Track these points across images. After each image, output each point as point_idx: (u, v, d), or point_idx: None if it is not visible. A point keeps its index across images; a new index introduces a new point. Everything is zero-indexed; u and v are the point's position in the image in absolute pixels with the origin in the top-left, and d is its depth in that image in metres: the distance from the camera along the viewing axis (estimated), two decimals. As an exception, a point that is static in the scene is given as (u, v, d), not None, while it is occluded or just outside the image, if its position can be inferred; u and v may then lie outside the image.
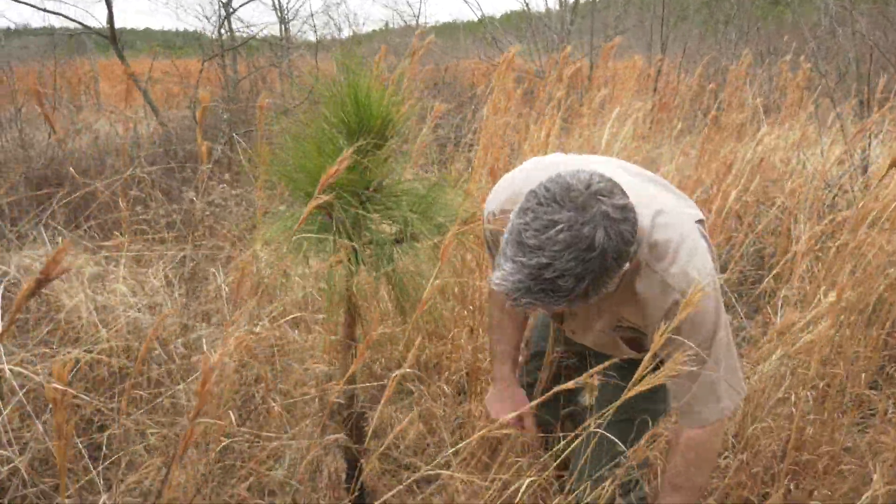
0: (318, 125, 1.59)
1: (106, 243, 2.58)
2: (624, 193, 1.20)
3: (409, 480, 1.64)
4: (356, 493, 1.89)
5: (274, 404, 1.54)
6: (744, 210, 3.21)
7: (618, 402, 1.36)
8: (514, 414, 1.54)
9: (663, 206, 1.36)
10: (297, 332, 2.02)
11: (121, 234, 2.69)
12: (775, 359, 1.56)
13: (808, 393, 1.96)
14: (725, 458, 1.97)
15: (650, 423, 1.50)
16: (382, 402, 1.36)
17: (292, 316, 1.92)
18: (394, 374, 1.42)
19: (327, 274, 1.54)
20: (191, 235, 2.32)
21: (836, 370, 1.90)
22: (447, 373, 2.37)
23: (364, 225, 1.61)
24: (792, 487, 1.82)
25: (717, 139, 4.19)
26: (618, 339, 1.52)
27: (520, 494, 1.45)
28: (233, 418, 1.68)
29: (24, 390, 1.66)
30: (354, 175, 1.57)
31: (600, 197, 1.15)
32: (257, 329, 1.58)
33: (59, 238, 2.66)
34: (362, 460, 1.86)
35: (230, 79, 4.89)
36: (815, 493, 1.78)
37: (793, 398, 1.89)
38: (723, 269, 2.91)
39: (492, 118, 2.17)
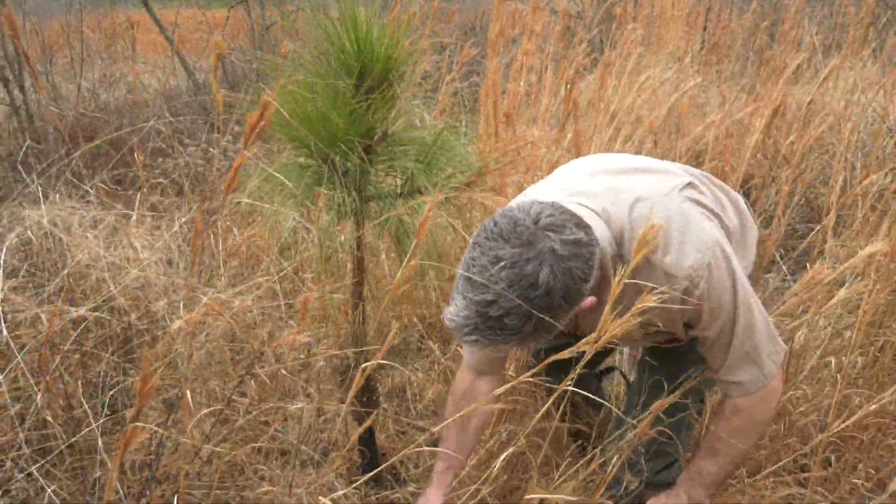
0: (314, 67, 1.47)
1: (120, 193, 2.53)
2: (579, 226, 1.13)
3: (418, 441, 1.57)
4: (370, 457, 1.84)
5: (260, 371, 1.48)
6: (794, 157, 2.99)
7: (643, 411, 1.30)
8: None
9: (640, 194, 1.28)
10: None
11: (139, 187, 2.64)
12: (806, 316, 1.42)
13: (858, 358, 1.80)
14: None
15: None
16: (382, 351, 1.26)
17: (276, 277, 1.84)
18: (394, 327, 1.33)
19: (324, 229, 1.44)
20: (190, 192, 2.25)
21: (891, 335, 1.73)
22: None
23: (366, 177, 1.51)
24: (833, 460, 1.68)
25: (769, 82, 3.91)
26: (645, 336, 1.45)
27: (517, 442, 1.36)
28: (214, 392, 1.62)
29: (24, 351, 1.62)
30: (356, 123, 1.46)
31: (548, 232, 1.11)
32: (232, 292, 1.51)
33: (77, 192, 2.63)
34: (371, 423, 1.80)
35: (259, 25, 4.77)
36: (860, 467, 1.65)
37: (833, 364, 1.74)
38: (768, 222, 2.71)
39: (494, 61, 2.00)
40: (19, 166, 2.80)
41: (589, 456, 1.39)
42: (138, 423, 0.81)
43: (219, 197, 0.98)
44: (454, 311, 1.12)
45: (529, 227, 1.11)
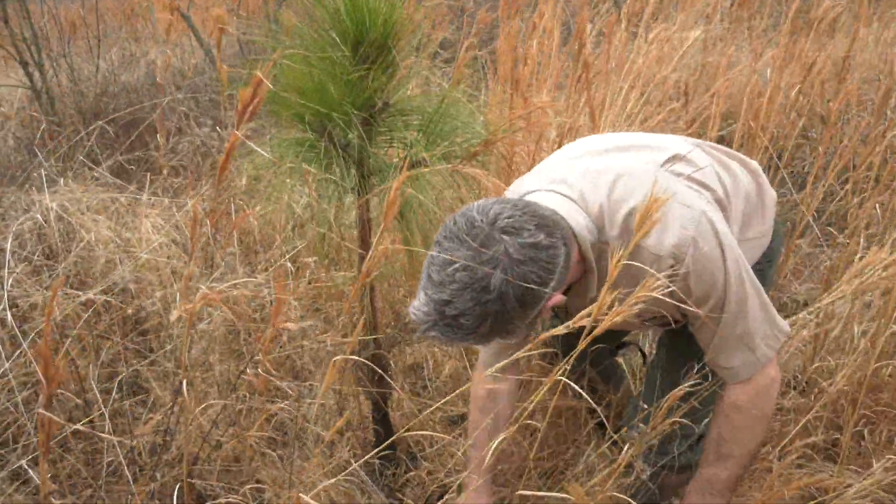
0: (310, 37, 1.40)
1: (135, 174, 2.51)
2: (539, 227, 1.09)
3: (425, 412, 1.53)
4: (384, 436, 1.81)
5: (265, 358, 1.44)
6: (829, 115, 2.84)
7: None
8: None
9: (619, 173, 1.24)
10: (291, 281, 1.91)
11: (148, 169, 2.62)
12: (845, 295, 1.33)
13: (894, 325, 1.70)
14: (789, 398, 1.76)
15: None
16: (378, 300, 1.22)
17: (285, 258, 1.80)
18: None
19: (321, 206, 1.39)
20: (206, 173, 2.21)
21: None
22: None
23: (367, 151, 1.45)
24: (866, 434, 1.60)
25: (803, 39, 3.72)
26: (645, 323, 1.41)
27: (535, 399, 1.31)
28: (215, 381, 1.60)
29: (30, 339, 1.62)
30: (354, 93, 1.39)
31: (504, 235, 1.07)
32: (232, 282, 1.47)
33: (91, 174, 2.62)
34: (382, 402, 1.77)
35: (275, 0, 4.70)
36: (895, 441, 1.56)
37: (866, 333, 1.64)
38: (801, 185, 2.59)
39: (508, 24, 1.91)
40: (36, 149, 2.81)
41: (608, 442, 1.32)
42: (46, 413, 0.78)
43: (221, 178, 0.93)
44: (417, 305, 1.10)
45: (485, 230, 1.08)
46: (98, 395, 1.58)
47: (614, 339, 1.67)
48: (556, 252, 1.09)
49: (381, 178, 1.45)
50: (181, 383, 1.43)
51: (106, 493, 1.52)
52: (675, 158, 1.28)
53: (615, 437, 1.35)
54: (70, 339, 1.68)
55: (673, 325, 1.37)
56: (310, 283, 1.96)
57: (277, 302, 0.79)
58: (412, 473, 1.77)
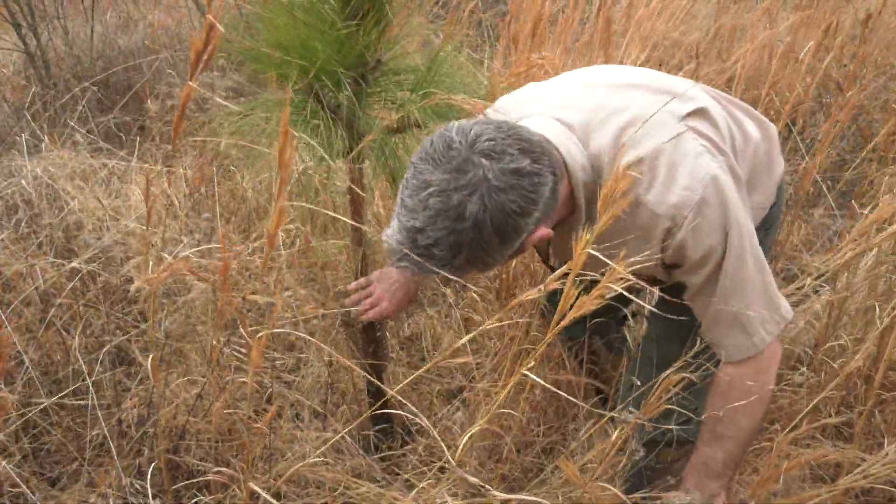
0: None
1: (127, 139, 2.44)
2: (524, 153, 1.00)
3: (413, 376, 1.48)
4: (379, 407, 1.76)
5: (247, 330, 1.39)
6: (846, 79, 2.72)
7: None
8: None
9: (632, 117, 1.14)
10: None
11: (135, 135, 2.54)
12: (866, 266, 1.25)
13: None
14: (801, 374, 1.70)
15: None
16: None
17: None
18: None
19: (308, 172, 1.32)
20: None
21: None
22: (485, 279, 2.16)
23: (358, 112, 1.37)
24: (877, 413, 1.54)
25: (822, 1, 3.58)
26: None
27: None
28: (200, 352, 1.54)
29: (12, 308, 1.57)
30: (343, 51, 1.31)
31: (483, 159, 0.98)
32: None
33: (85, 139, 2.54)
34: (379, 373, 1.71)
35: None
36: (909, 420, 1.50)
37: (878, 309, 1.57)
38: (814, 153, 2.49)
39: None
40: (26, 113, 2.74)
41: (605, 419, 1.26)
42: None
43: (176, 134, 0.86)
44: (390, 233, 1.03)
45: (462, 152, 0.98)
46: (83, 367, 1.53)
47: (615, 310, 1.60)
48: (541, 180, 1.01)
49: (373, 141, 1.37)
50: (161, 355, 1.37)
51: (91, 466, 1.47)
52: (698, 113, 1.18)
53: (614, 413, 1.29)
54: (55, 309, 1.63)
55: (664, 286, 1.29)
56: (303, 252, 1.90)
57: (224, 267, 0.73)
58: (409, 447, 1.73)
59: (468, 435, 1.13)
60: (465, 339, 0.92)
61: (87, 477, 1.48)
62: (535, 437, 1.62)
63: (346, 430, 1.64)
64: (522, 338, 1.64)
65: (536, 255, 1.65)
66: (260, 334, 0.83)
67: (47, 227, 1.93)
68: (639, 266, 0.96)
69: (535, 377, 1.01)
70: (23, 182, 1.97)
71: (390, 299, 1.48)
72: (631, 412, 1.13)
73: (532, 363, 1.02)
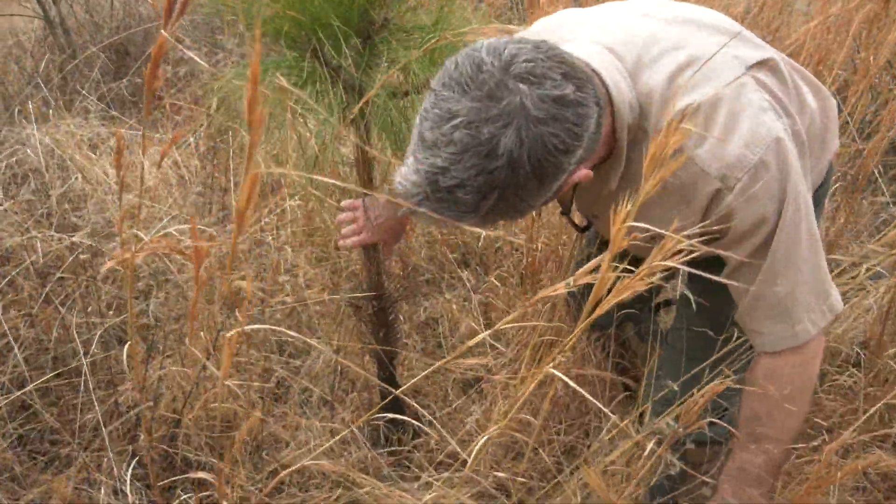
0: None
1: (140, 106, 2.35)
2: (567, 78, 0.84)
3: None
4: (390, 396, 1.66)
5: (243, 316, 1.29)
6: (904, 56, 2.53)
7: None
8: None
9: (692, 56, 0.98)
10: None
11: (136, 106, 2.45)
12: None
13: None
14: (849, 375, 1.56)
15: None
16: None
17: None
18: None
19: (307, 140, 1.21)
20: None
21: None
22: (508, 262, 2.04)
23: (363, 74, 1.25)
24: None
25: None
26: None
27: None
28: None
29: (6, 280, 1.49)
30: (347, 7, 1.19)
31: (521, 84, 0.82)
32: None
33: (96, 107, 2.46)
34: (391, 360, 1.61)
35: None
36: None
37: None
38: (868, 135, 2.32)
39: None
40: (39, 79, 2.66)
41: (634, 416, 1.14)
42: None
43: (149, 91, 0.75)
44: (404, 172, 0.87)
45: (495, 76, 0.82)
46: (80, 346, 1.45)
47: (645, 297, 1.46)
48: (587, 112, 0.85)
49: (373, 107, 1.25)
50: (151, 341, 1.29)
51: (85, 452, 1.40)
52: (766, 65, 1.03)
53: (640, 410, 1.17)
54: (51, 284, 1.55)
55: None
56: (309, 233, 1.79)
57: (196, 252, 0.62)
58: (420, 440, 1.63)
59: (483, 438, 1.03)
60: (480, 336, 0.80)
61: (81, 462, 1.40)
62: (554, 435, 1.51)
63: (356, 422, 1.55)
64: (544, 328, 1.52)
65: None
66: (230, 333, 0.72)
67: (51, 199, 1.85)
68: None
69: (560, 374, 0.89)
70: (28, 151, 1.88)
71: (371, 231, 1.36)
72: (668, 424, 1.00)
73: (558, 360, 0.90)
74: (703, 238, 0.96)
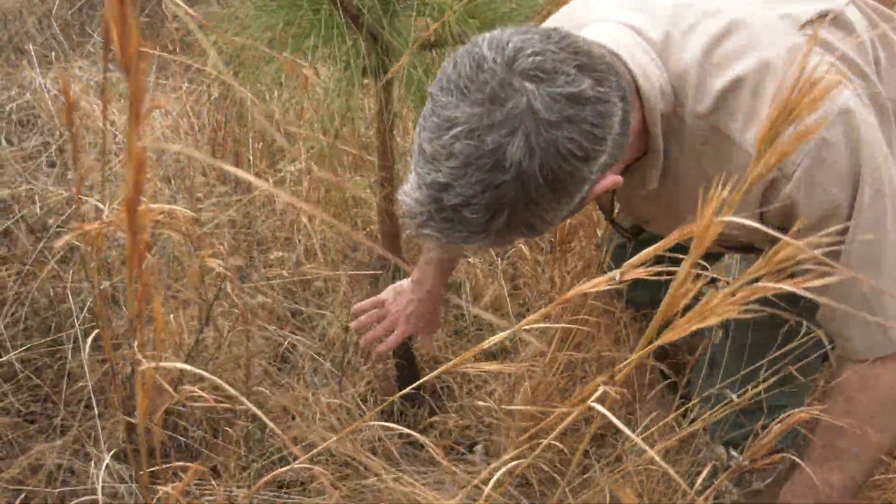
0: None
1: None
2: (584, 70, 0.71)
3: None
4: (406, 371, 1.54)
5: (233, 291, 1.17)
6: None
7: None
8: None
9: (732, 21, 0.83)
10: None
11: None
12: None
13: None
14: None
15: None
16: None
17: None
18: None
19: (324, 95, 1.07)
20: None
21: None
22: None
23: (387, 23, 1.10)
24: None
25: None
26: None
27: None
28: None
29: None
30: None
31: (527, 82, 0.70)
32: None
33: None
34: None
35: None
36: None
37: None
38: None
39: None
40: (53, 21, 2.54)
41: (680, 411, 0.99)
42: None
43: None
44: (407, 190, 0.76)
45: (497, 74, 0.69)
46: (74, 309, 1.36)
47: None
48: (609, 109, 0.73)
49: (406, 59, 1.10)
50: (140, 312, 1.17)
51: (77, 421, 1.32)
52: (826, 17, 0.87)
53: (687, 406, 1.02)
54: (46, 240, 1.45)
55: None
56: (327, 191, 1.66)
57: (130, 243, 0.49)
58: (437, 418, 1.52)
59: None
60: (500, 336, 0.66)
61: (76, 432, 1.32)
62: (582, 421, 1.38)
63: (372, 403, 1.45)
64: (578, 305, 1.38)
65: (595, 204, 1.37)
66: (143, 369, 0.58)
67: (53, 148, 1.74)
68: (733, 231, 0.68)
69: (604, 410, 0.74)
70: (28, 96, 1.77)
71: (405, 323, 1.28)
72: (732, 455, 0.86)
73: (610, 377, 0.75)
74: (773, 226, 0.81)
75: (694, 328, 0.52)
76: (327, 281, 1.73)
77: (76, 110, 1.82)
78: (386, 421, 1.50)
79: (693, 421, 0.91)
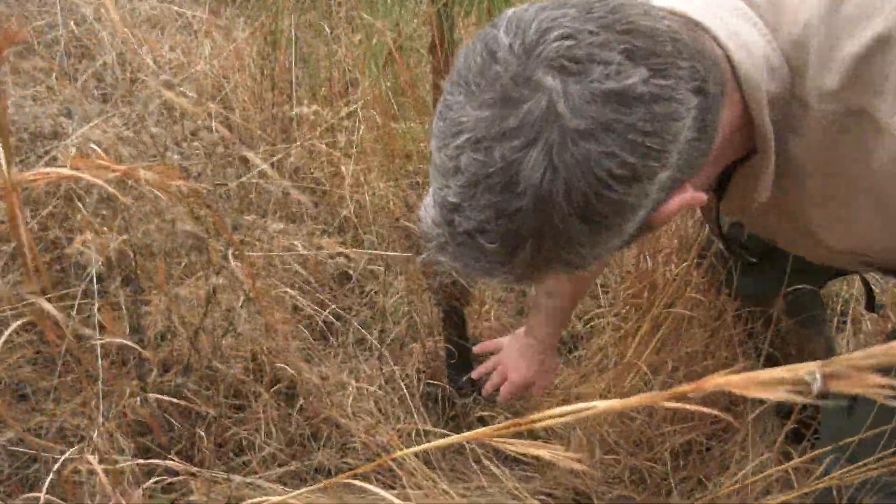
0: None
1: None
2: (637, 56, 0.50)
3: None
4: (459, 355, 1.34)
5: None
6: None
7: None
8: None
9: None
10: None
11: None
12: None
13: None
14: None
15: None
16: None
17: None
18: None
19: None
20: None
21: None
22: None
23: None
24: None
25: None
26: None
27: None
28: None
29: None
30: None
31: (550, 76, 0.49)
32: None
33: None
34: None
35: None
36: None
37: None
38: None
39: None
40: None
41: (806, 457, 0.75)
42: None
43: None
44: (427, 203, 0.58)
45: (513, 65, 0.51)
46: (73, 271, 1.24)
47: (820, 274, 1.05)
48: (673, 110, 0.51)
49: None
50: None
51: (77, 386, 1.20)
52: None
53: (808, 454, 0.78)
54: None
55: None
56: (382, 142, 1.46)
57: None
58: (487, 412, 1.32)
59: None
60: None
61: (80, 398, 1.21)
62: (661, 431, 1.15)
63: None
64: (668, 280, 1.14)
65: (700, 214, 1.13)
66: None
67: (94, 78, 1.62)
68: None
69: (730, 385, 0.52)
70: (72, 24, 1.65)
71: (516, 370, 1.20)
72: None
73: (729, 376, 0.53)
74: None
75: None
76: (380, 243, 1.55)
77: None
78: (431, 408, 1.31)
79: (821, 477, 0.67)
